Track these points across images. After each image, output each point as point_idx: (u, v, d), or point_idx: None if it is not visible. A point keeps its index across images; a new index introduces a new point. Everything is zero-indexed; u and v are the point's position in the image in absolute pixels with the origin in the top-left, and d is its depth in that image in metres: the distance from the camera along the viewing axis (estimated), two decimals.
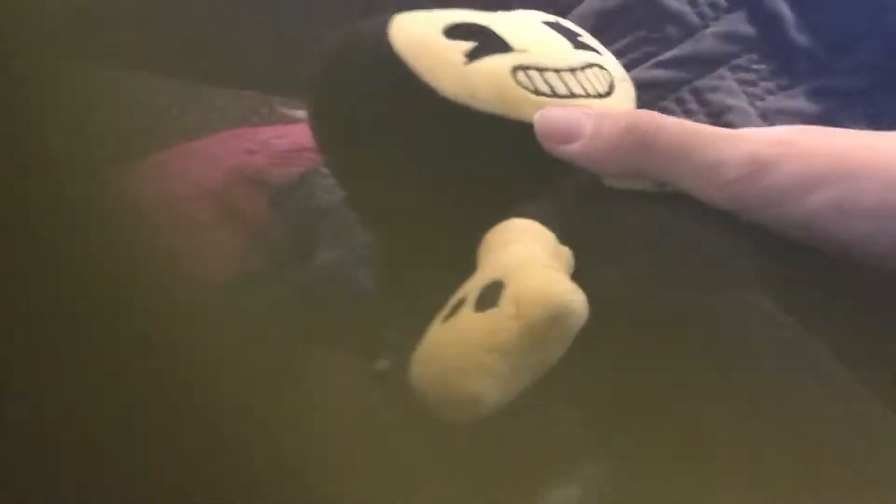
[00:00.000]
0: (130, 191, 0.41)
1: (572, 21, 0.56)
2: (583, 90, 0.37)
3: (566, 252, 0.32)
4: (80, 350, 0.22)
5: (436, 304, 0.30)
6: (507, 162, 0.35)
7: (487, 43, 0.36)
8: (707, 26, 0.55)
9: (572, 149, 0.35)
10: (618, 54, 0.46)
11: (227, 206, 0.39)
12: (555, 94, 0.36)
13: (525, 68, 0.36)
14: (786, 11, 0.53)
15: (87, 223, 0.23)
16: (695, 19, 0.55)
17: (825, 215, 0.33)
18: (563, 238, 0.32)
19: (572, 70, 0.37)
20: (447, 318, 0.29)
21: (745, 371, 0.28)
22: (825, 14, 0.52)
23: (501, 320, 0.27)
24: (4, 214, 0.19)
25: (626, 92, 0.39)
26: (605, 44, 0.45)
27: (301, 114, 0.65)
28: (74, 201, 0.23)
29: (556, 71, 0.36)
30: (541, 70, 0.36)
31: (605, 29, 0.56)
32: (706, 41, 0.54)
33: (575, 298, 0.28)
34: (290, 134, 0.46)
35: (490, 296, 0.28)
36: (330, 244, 0.37)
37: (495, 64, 0.36)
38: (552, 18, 0.40)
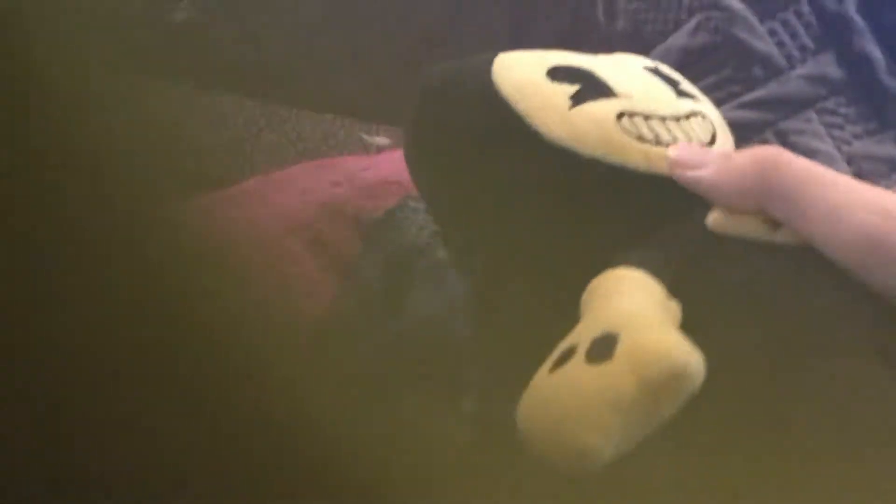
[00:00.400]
0: (216, 219, 0.42)
1: (656, 57, 0.56)
2: (686, 139, 0.36)
3: (674, 306, 0.31)
4: (164, 382, 0.21)
5: (530, 348, 0.30)
6: (610, 207, 0.35)
7: (591, 87, 0.36)
8: (794, 68, 0.54)
9: (700, 174, 0.35)
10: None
11: (317, 240, 0.39)
12: (659, 142, 0.36)
13: (630, 114, 0.36)
14: (877, 54, 0.53)
15: (175, 249, 0.23)
16: (782, 61, 0.54)
17: None
18: (671, 289, 0.32)
19: (676, 118, 0.37)
20: (556, 366, 0.29)
21: (856, 441, 0.27)
22: None
23: (616, 375, 0.27)
24: (85, 241, 0.20)
25: (726, 139, 0.39)
26: (689, 82, 0.45)
27: (381, 140, 0.66)
28: (161, 227, 0.23)
29: (661, 119, 0.36)
30: (646, 117, 0.36)
31: (690, 66, 0.56)
32: (792, 83, 0.54)
33: (692, 360, 0.27)
34: (377, 165, 0.47)
35: (602, 348, 0.28)
36: (423, 287, 0.37)
37: (600, 109, 0.36)
38: (651, 64, 0.40)
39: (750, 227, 0.34)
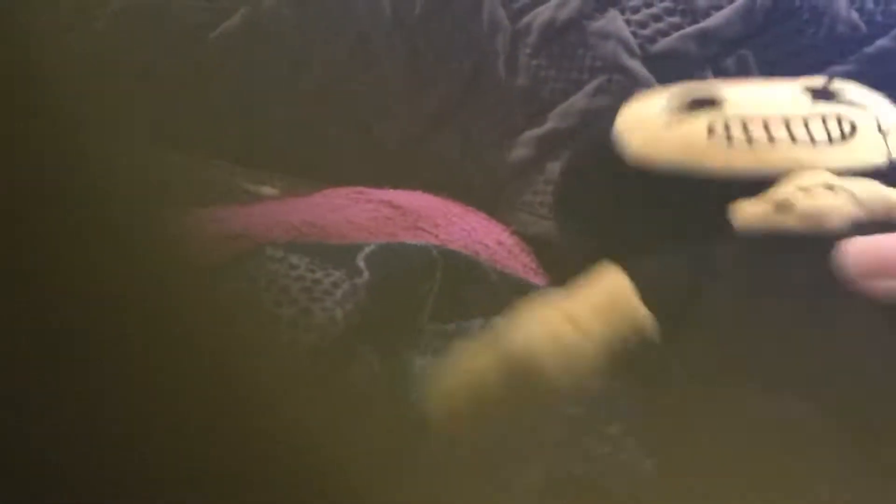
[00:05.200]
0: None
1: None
2: (806, 136, 0.36)
3: (636, 314, 0.33)
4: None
5: None
6: (683, 208, 0.37)
7: (700, 101, 0.38)
8: None
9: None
10: None
11: None
12: (751, 140, 0.36)
13: (726, 120, 0.37)
14: None
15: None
16: None
17: None
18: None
19: (788, 119, 0.37)
20: None
21: None
22: None
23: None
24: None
25: (872, 143, 0.37)
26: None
27: (268, 190, 0.62)
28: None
29: (765, 119, 0.37)
30: (744, 119, 0.37)
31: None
32: None
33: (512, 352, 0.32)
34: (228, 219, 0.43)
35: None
36: None
37: (693, 123, 0.38)
38: (815, 83, 0.39)
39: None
